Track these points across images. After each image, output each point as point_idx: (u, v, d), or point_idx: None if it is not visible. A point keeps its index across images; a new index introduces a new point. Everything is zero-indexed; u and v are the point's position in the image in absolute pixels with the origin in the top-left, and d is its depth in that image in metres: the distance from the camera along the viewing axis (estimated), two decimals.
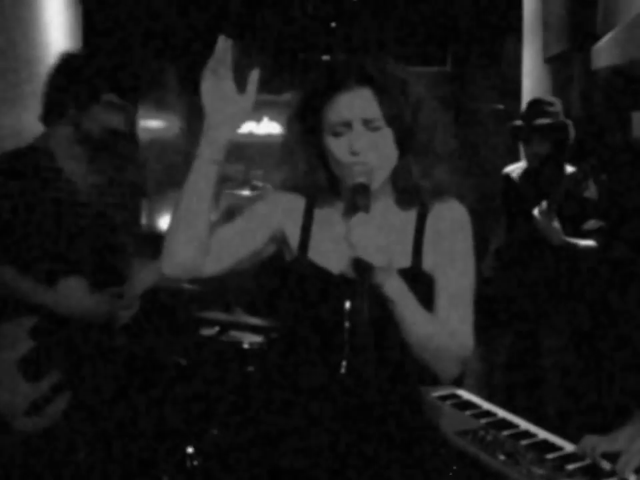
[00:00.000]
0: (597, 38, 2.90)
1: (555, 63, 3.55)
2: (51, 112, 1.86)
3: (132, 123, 1.90)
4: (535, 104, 2.55)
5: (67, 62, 1.85)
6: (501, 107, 2.85)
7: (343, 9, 4.93)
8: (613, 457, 1.43)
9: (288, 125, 1.27)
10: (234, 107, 1.16)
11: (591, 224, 2.47)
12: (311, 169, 1.24)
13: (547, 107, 2.53)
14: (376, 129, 1.18)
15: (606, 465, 1.42)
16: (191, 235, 1.18)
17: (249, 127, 5.88)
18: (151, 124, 5.29)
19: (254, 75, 1.17)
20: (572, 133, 2.51)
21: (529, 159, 2.56)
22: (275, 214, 1.27)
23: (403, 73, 1.22)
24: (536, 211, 2.39)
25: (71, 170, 1.88)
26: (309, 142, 1.24)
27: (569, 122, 2.52)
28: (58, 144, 1.87)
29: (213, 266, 1.22)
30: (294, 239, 1.27)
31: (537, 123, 2.50)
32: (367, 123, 1.18)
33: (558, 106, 2.55)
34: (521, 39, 3.79)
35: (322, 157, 1.23)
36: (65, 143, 1.87)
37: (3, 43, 2.81)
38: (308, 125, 1.24)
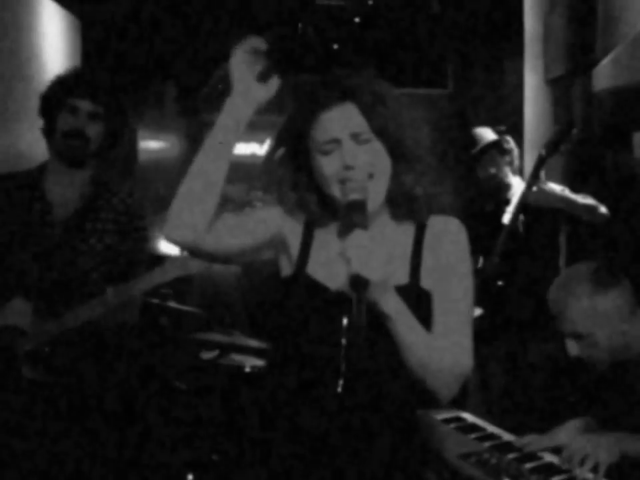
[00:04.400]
0: (597, 60, 2.92)
1: (556, 85, 3.57)
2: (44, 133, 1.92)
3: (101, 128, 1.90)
4: (474, 134, 2.84)
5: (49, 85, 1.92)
6: (502, 128, 2.93)
7: (345, 32, 4.99)
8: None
9: (272, 152, 1.27)
10: (258, 89, 1.20)
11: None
12: (300, 194, 1.24)
13: (484, 133, 2.81)
14: (365, 142, 1.19)
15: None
16: (199, 204, 1.18)
17: (252, 148, 5.90)
18: (150, 145, 5.32)
19: (277, 79, 1.23)
20: (515, 148, 2.79)
21: (487, 181, 2.78)
22: (277, 221, 1.27)
23: (382, 86, 1.24)
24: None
25: (54, 189, 1.91)
26: (296, 166, 1.24)
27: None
28: (50, 166, 1.93)
29: (212, 243, 1.22)
30: (293, 252, 1.26)
31: (491, 139, 2.76)
32: (355, 136, 1.18)
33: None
34: (522, 61, 3.83)
35: (310, 180, 1.23)
36: (50, 162, 1.93)
37: (0, 62, 2.84)
38: (294, 148, 1.24)
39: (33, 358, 1.82)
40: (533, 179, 2.51)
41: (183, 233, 1.19)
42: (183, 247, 1.22)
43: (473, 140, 2.81)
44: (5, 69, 2.88)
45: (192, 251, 1.22)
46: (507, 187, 2.77)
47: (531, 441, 1.61)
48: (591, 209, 2.51)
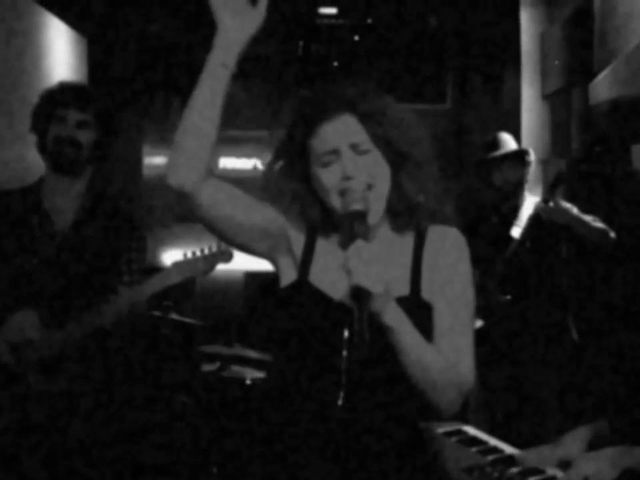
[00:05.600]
0: (594, 74, 2.95)
1: (554, 99, 3.60)
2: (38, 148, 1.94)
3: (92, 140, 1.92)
4: (496, 138, 2.79)
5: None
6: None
7: (345, 49, 5.05)
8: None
9: (272, 164, 1.26)
10: (244, 18, 1.17)
11: None
12: (302, 205, 1.23)
13: (507, 139, 2.78)
14: (365, 152, 1.19)
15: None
16: (198, 140, 1.16)
17: (253, 163, 5.93)
18: (155, 160, 5.34)
19: None
20: (532, 159, 2.78)
21: (502, 186, 2.75)
22: (282, 220, 1.25)
23: (381, 96, 1.23)
24: (535, 199, 2.58)
25: (51, 200, 1.93)
26: (296, 177, 1.23)
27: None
28: (46, 178, 1.95)
29: (209, 198, 1.18)
30: (296, 260, 1.24)
31: (511, 149, 2.72)
32: (354, 147, 1.18)
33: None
34: (520, 76, 3.86)
35: (311, 191, 1.23)
36: (46, 174, 1.95)
37: (9, 79, 2.87)
38: (294, 160, 1.23)
39: (41, 368, 1.82)
40: (551, 194, 2.52)
41: (184, 172, 1.15)
42: (183, 192, 1.16)
43: (495, 143, 2.75)
44: (12, 86, 2.92)
45: (191, 199, 1.17)
46: (517, 198, 2.74)
47: (533, 457, 1.59)
48: (602, 233, 2.51)
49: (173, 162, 1.17)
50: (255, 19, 1.17)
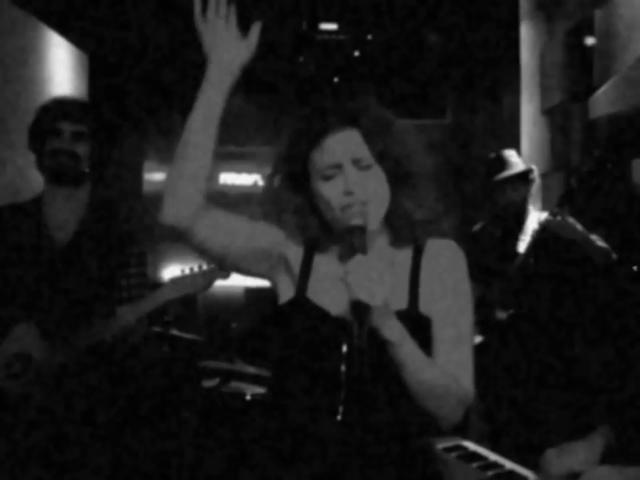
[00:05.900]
0: (593, 89, 2.96)
1: (553, 114, 3.62)
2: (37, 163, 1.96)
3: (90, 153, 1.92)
4: (502, 156, 2.76)
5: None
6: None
7: (345, 65, 5.10)
8: None
9: (272, 176, 1.27)
10: (235, 51, 1.17)
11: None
12: (301, 218, 1.24)
13: (512, 157, 2.76)
14: (367, 168, 1.19)
15: None
16: (192, 168, 1.16)
17: (254, 178, 5.95)
18: (156, 176, 5.37)
19: (257, 25, 1.19)
20: (537, 176, 2.78)
21: (505, 207, 2.74)
22: (279, 239, 1.25)
23: (385, 112, 1.24)
24: (544, 215, 2.55)
25: (51, 214, 1.93)
26: (296, 190, 1.24)
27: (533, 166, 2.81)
28: (45, 192, 1.94)
29: (206, 229, 1.19)
30: (294, 276, 1.25)
31: (516, 170, 2.70)
32: (357, 162, 1.19)
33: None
34: (519, 91, 3.88)
35: (311, 204, 1.23)
36: (45, 189, 1.94)
37: (10, 96, 2.90)
38: (295, 172, 1.24)
39: (43, 383, 1.81)
40: (560, 208, 2.52)
41: (179, 211, 1.16)
42: (178, 229, 1.17)
43: (501, 161, 2.73)
44: (13, 102, 2.94)
45: (187, 234, 1.18)
46: (521, 214, 2.73)
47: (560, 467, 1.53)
48: (606, 253, 2.51)
49: (167, 200, 1.17)
50: (246, 50, 1.18)
